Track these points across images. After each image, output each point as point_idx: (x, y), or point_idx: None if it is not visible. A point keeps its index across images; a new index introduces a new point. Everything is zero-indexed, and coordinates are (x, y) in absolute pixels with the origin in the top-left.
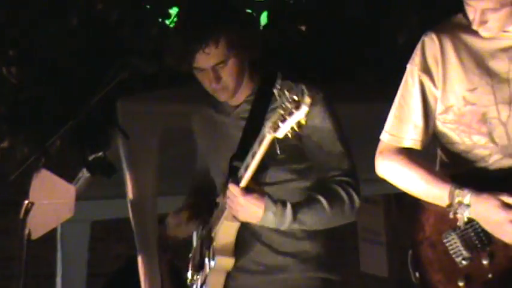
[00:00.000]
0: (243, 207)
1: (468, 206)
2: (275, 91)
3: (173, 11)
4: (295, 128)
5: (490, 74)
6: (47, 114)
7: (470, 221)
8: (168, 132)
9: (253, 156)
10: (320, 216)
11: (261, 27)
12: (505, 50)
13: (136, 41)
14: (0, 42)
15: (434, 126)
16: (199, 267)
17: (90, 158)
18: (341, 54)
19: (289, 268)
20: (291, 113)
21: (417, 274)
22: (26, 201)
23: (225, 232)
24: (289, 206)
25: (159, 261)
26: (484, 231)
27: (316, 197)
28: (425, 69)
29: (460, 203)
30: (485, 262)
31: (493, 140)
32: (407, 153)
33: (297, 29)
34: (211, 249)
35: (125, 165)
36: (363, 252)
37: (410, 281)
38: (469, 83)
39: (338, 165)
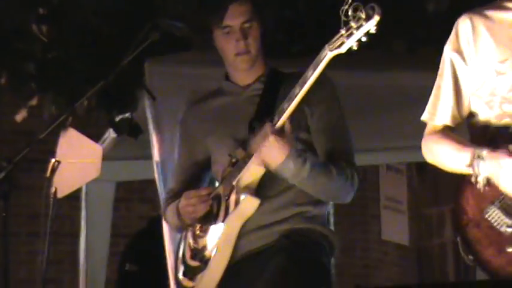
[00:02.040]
0: (270, 146)
1: (483, 159)
2: (341, 13)
3: None
4: (363, 39)
5: None
6: (76, 73)
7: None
8: (195, 94)
9: (295, 95)
10: (327, 182)
11: None
12: None
13: (166, 2)
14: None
15: (470, 104)
16: (208, 223)
17: (117, 118)
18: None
19: (289, 221)
20: (359, 27)
21: (470, 257)
22: (53, 160)
23: (250, 176)
24: (309, 162)
25: None
26: None
27: (329, 165)
28: (457, 49)
29: (478, 158)
30: None
31: None
32: (443, 130)
33: None
34: (232, 195)
35: (151, 127)
36: (384, 220)
37: (430, 249)
38: (500, 55)
39: (344, 149)
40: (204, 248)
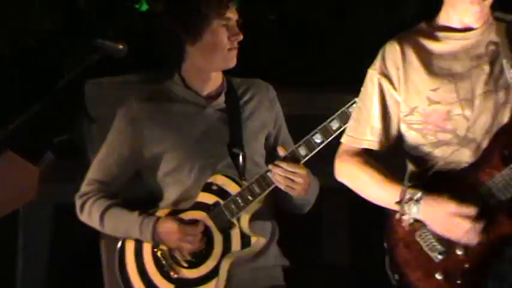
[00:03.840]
0: (306, 179)
1: (418, 201)
2: None
3: None
4: None
5: (451, 73)
6: (13, 95)
7: None
8: None
9: (327, 136)
10: (317, 186)
11: None
12: (465, 50)
13: (105, 23)
14: None
15: (399, 129)
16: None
17: (56, 140)
18: (305, 49)
19: (266, 252)
20: None
21: (396, 276)
22: None
23: (251, 212)
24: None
25: None
26: None
27: None
28: (385, 73)
29: (411, 199)
30: (460, 253)
31: (456, 136)
32: (364, 155)
33: (268, 17)
34: (233, 231)
35: (90, 148)
36: (325, 242)
37: (371, 271)
38: (432, 84)
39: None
40: (194, 281)
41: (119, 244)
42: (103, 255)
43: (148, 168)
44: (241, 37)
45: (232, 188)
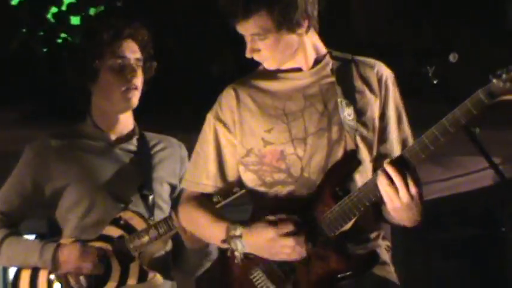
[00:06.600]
0: None
1: (240, 237)
2: None
3: None
4: None
5: (285, 113)
6: None
7: None
8: None
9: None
10: None
11: None
12: (300, 89)
13: None
14: None
15: (237, 171)
16: None
17: None
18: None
19: None
20: None
21: None
22: None
23: (155, 251)
24: None
25: None
26: (286, 261)
27: None
28: (220, 118)
29: (233, 236)
30: None
31: (291, 175)
32: (200, 198)
33: None
34: (133, 264)
35: None
36: None
37: None
38: (266, 125)
39: None
40: None
41: (13, 274)
42: None
43: (50, 205)
44: (136, 76)
45: (139, 224)
